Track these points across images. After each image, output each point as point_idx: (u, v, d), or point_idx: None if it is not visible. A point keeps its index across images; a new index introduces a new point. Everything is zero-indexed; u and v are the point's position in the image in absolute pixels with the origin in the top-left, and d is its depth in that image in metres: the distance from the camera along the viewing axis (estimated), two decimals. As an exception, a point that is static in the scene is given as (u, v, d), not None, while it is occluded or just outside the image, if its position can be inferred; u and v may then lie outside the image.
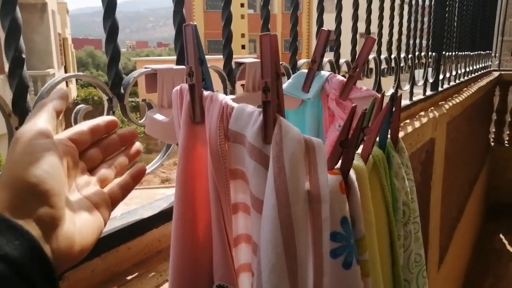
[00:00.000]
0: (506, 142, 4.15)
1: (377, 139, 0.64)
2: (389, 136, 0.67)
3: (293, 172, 0.39)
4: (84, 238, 0.35)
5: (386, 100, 0.62)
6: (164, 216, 0.63)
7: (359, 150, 0.57)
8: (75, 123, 0.52)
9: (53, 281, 0.30)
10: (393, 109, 0.66)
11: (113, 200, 0.41)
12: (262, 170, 0.42)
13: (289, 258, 0.39)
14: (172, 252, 0.49)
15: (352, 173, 0.49)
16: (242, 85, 0.76)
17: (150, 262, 0.61)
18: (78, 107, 0.53)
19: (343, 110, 0.75)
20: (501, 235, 3.62)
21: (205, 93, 0.48)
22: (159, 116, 0.56)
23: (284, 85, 0.79)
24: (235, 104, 0.46)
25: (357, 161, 0.53)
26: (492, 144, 4.18)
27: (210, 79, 0.51)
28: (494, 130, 4.18)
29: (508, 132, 4.12)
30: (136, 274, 0.58)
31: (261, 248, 0.40)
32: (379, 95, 0.68)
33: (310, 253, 0.41)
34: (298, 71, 0.93)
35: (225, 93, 0.72)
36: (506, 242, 3.52)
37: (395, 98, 0.67)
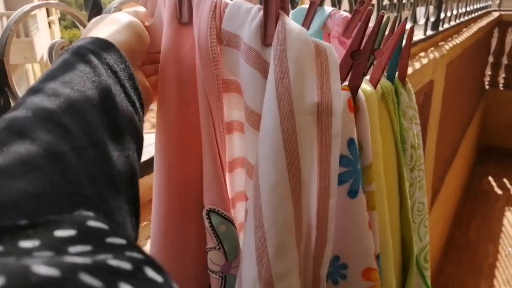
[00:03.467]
0: (501, 85, 4.10)
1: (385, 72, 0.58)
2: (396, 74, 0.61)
3: (298, 77, 0.33)
4: None
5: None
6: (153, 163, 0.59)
7: (367, 76, 0.51)
8: (50, 58, 0.46)
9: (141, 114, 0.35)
10: (403, 44, 0.61)
11: None
12: (259, 78, 0.36)
13: (292, 176, 0.34)
14: (156, 173, 0.43)
15: (361, 93, 0.43)
16: None
17: (142, 211, 0.56)
18: (53, 41, 0.47)
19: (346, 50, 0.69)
20: (489, 177, 3.68)
21: None
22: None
23: (283, 21, 0.72)
24: (229, 0, 0.39)
25: (366, 85, 0.47)
26: (487, 87, 4.13)
27: None
28: (489, 72, 4.12)
29: (503, 75, 4.07)
30: (128, 223, 0.55)
31: (260, 165, 0.34)
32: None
33: (315, 173, 0.36)
34: (297, 4, 0.86)
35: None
36: (494, 184, 3.59)
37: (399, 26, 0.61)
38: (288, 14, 0.36)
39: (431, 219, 2.19)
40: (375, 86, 0.47)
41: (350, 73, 0.41)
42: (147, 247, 0.50)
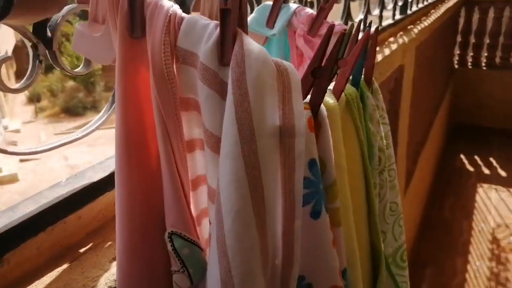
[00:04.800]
0: (469, 64, 4.18)
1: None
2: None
3: (258, 100, 0.32)
4: None
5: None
6: (118, 177, 0.57)
7: (330, 86, 0.50)
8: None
9: None
10: (369, 43, 0.59)
11: None
12: (217, 99, 0.35)
13: (256, 202, 0.33)
14: (118, 199, 0.42)
15: (323, 109, 0.42)
16: (198, 19, 0.66)
17: (106, 230, 0.55)
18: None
19: (312, 49, 0.67)
20: (461, 155, 3.77)
21: None
22: (89, 30, 0.45)
23: (246, 20, 0.70)
24: (184, 14, 0.37)
25: (329, 97, 0.46)
26: (456, 66, 4.20)
27: None
28: (458, 52, 4.18)
29: (472, 54, 4.14)
30: (91, 245, 0.52)
31: (222, 192, 0.33)
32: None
33: (279, 195, 0.35)
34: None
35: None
36: (466, 162, 3.68)
37: (369, 26, 0.59)
38: (246, 32, 0.34)
39: (407, 203, 2.22)
40: (338, 97, 0.46)
41: (311, 91, 0.40)
42: (112, 271, 0.47)
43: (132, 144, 0.40)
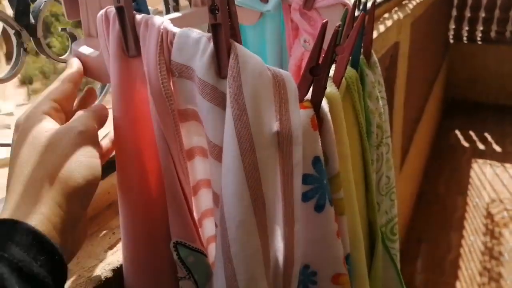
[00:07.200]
0: (465, 38, 4.14)
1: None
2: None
3: (256, 113, 0.33)
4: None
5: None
6: (112, 164, 0.55)
7: (331, 73, 0.49)
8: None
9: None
10: (366, 20, 0.58)
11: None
12: (219, 112, 0.35)
13: (258, 211, 0.34)
14: (122, 211, 0.43)
15: (324, 103, 0.42)
16: (189, -1, 0.63)
17: (100, 218, 0.54)
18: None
19: (308, 22, 0.65)
20: (456, 131, 3.77)
21: (138, 17, 0.38)
22: (86, 49, 0.45)
23: (239, -4, 0.67)
24: (176, 29, 0.37)
25: (329, 87, 0.46)
26: (451, 41, 4.17)
27: None
28: (453, 26, 4.14)
29: (467, 28, 4.10)
30: (85, 233, 0.51)
31: (225, 202, 0.34)
32: (349, 3, 0.58)
33: (279, 201, 0.37)
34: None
35: (167, 11, 0.60)
36: (461, 137, 3.69)
37: (364, 5, 0.58)
38: (240, 42, 0.35)
39: (402, 179, 2.23)
40: (338, 85, 0.46)
41: (311, 89, 0.40)
42: (108, 260, 0.46)
43: (133, 161, 0.41)
